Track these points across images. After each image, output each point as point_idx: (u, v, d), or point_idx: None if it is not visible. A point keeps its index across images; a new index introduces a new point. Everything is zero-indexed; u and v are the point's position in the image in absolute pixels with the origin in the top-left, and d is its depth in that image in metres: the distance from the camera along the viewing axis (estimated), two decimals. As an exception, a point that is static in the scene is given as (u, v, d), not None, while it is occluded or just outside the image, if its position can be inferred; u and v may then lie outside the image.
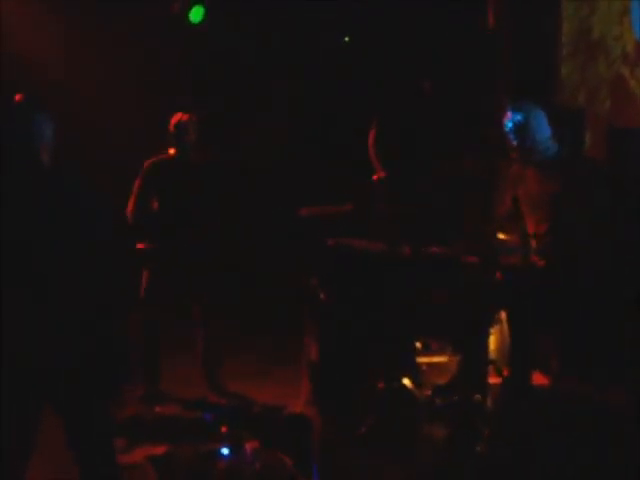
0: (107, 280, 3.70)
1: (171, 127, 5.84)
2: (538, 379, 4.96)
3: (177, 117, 5.85)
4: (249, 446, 4.90)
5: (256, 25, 8.08)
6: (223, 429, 5.15)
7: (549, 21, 6.64)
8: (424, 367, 5.09)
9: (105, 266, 3.69)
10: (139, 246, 5.67)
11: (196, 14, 7.88)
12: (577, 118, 6.10)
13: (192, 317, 5.92)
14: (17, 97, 3.80)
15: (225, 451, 4.82)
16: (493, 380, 4.85)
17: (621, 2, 5.84)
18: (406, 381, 4.75)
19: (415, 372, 4.88)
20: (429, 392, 4.97)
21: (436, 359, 5.16)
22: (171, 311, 5.86)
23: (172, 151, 5.87)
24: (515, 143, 4.91)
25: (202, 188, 5.79)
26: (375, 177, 5.45)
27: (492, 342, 4.92)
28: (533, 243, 4.95)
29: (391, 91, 7.45)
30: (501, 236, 4.94)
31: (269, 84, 8.23)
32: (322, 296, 4.99)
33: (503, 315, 4.88)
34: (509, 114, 4.91)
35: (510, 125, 4.90)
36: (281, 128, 8.41)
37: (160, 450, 4.96)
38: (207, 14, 7.90)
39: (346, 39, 8.14)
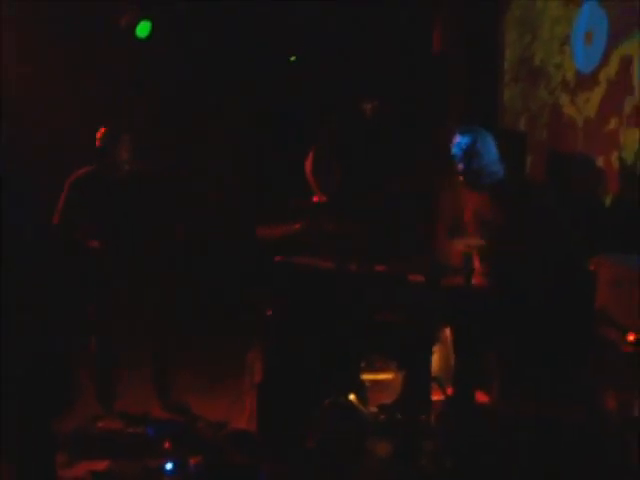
0: (40, 292, 3.68)
1: (97, 142, 5.69)
2: (479, 397, 5.06)
3: (103, 130, 5.71)
4: (193, 461, 4.91)
5: (203, 41, 8.11)
6: (166, 444, 5.15)
7: (492, 47, 6.82)
8: (368, 384, 5.15)
9: (37, 278, 3.66)
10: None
11: (143, 29, 7.88)
12: (519, 142, 6.26)
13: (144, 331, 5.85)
14: None
15: (169, 466, 4.82)
16: (436, 397, 4.94)
17: (562, 31, 6.01)
18: (352, 397, 4.80)
19: (360, 389, 4.93)
20: (374, 409, 5.04)
21: (380, 376, 5.23)
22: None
23: (95, 166, 5.73)
24: (463, 167, 5.01)
25: (130, 203, 5.67)
26: (315, 199, 5.50)
27: (435, 360, 5.01)
28: (476, 263, 5.09)
29: (334, 113, 7.55)
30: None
31: (213, 101, 8.24)
32: (268, 312, 5.02)
33: (448, 333, 4.98)
34: (457, 138, 5.02)
35: (458, 149, 5.01)
36: (226, 144, 8.43)
37: (102, 465, 4.92)
38: (154, 29, 7.92)
39: (292, 58, 8.20)
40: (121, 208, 5.66)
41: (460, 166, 5.04)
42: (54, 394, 3.70)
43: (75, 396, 3.80)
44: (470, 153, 4.96)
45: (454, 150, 5.02)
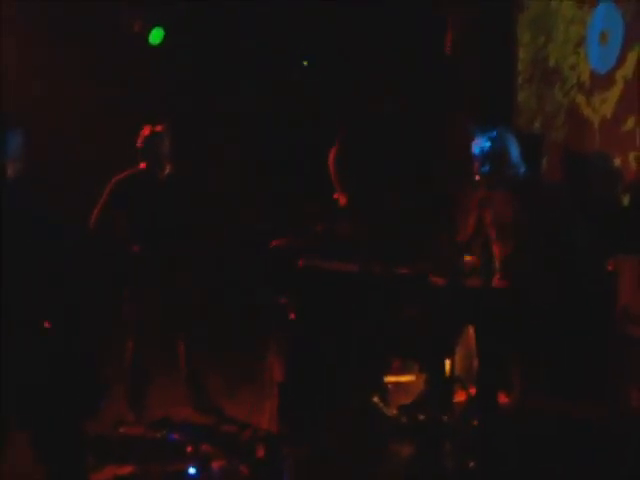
0: (70, 296, 3.70)
1: (140, 140, 5.66)
2: (500, 398, 5.07)
3: (147, 130, 5.66)
4: (216, 464, 4.93)
5: (216, 47, 8.13)
6: (189, 448, 5.16)
7: (506, 48, 6.83)
8: (390, 386, 5.17)
9: (68, 282, 3.69)
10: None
11: (156, 36, 7.92)
12: (535, 143, 6.26)
13: (175, 336, 5.87)
14: None
15: (192, 470, 4.83)
16: (459, 398, 4.95)
17: (576, 32, 6.03)
18: (375, 399, 4.82)
19: (383, 391, 4.95)
20: (396, 411, 5.05)
21: (402, 378, 5.24)
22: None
23: (142, 166, 5.70)
24: (484, 169, 5.00)
25: (174, 204, 5.67)
26: (336, 196, 5.49)
27: (458, 361, 5.02)
28: (497, 264, 5.10)
29: (353, 111, 7.56)
30: (466, 257, 5.05)
31: (231, 105, 8.26)
32: (292, 315, 5.03)
33: (470, 333, 4.99)
34: (479, 140, 5.00)
35: (479, 151, 4.99)
36: (245, 147, 8.44)
37: (127, 470, 4.94)
38: (166, 36, 7.95)
39: (304, 63, 8.22)
40: (164, 209, 5.65)
41: (481, 168, 5.02)
42: (86, 395, 3.72)
43: (105, 397, 3.81)
44: (492, 155, 4.95)
45: (475, 151, 5.01)
